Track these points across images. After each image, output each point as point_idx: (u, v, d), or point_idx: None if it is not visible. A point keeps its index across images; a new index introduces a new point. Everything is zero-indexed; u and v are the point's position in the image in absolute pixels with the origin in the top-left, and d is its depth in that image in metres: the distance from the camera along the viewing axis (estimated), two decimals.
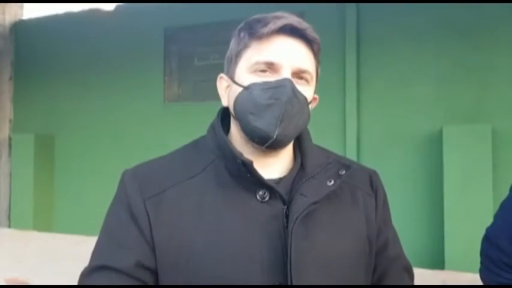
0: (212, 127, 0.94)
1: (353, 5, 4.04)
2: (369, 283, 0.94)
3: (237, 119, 0.88)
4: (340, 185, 0.90)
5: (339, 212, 0.91)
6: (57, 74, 5.50)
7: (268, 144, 0.86)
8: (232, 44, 0.90)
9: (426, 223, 3.78)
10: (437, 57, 3.81)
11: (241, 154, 0.85)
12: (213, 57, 4.63)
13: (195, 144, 0.96)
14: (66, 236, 3.57)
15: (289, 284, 0.80)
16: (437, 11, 3.82)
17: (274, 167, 0.91)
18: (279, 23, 0.83)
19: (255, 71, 0.85)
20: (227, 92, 0.91)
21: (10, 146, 5.73)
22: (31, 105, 5.67)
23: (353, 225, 0.92)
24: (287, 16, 0.86)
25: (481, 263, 1.34)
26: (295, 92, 0.84)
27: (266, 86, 0.83)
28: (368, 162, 3.95)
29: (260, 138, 0.85)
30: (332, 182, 0.89)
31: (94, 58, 5.30)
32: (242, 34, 0.88)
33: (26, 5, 6.08)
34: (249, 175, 0.85)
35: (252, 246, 0.82)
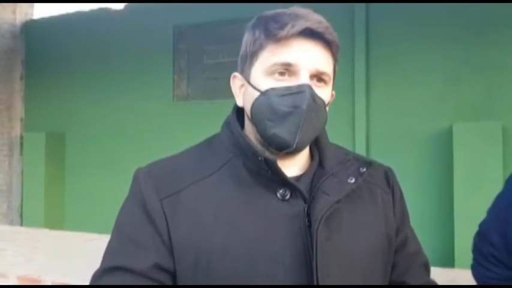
0: (227, 124, 0.91)
1: (362, 4, 4.03)
2: (387, 280, 0.93)
3: (253, 123, 0.85)
4: (359, 183, 0.88)
5: (358, 210, 0.89)
6: (68, 73, 5.55)
7: (286, 152, 0.84)
8: (247, 42, 0.87)
9: (436, 221, 3.76)
10: (446, 56, 3.78)
11: (263, 151, 0.83)
12: (222, 56, 4.62)
13: (209, 142, 0.93)
14: (77, 234, 3.59)
15: (315, 284, 0.78)
16: (445, 10, 3.79)
17: (292, 164, 0.89)
18: (298, 26, 0.79)
19: (271, 74, 0.82)
20: (242, 92, 0.89)
21: (21, 144, 5.79)
22: (42, 104, 5.73)
23: (372, 224, 0.90)
24: (305, 16, 0.82)
25: (473, 258, 1.34)
26: (314, 98, 0.81)
27: (284, 92, 0.81)
28: (377, 160, 3.94)
29: (278, 145, 0.83)
30: (353, 180, 0.87)
31: (103, 57, 5.33)
32: (257, 33, 0.84)
33: (36, 4, 6.13)
34: (270, 173, 0.83)
35: (273, 246, 0.81)
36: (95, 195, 5.17)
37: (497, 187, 3.42)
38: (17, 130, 5.88)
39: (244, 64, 0.87)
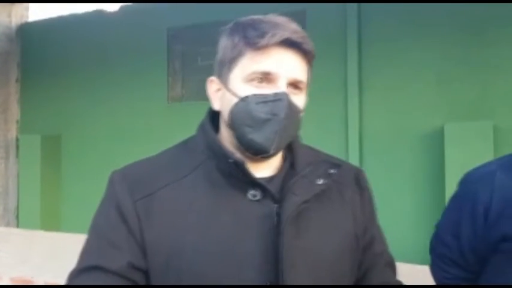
0: (202, 127, 0.96)
1: (354, 4, 4.04)
2: (354, 279, 0.96)
3: (232, 128, 0.88)
4: (328, 184, 0.91)
5: (327, 210, 0.92)
6: (63, 75, 5.56)
7: (262, 156, 0.88)
8: (225, 47, 0.89)
9: (428, 221, 3.78)
10: (439, 55, 3.80)
11: (233, 154, 0.87)
12: None
13: (185, 145, 0.97)
14: (72, 235, 3.61)
15: (280, 283, 0.81)
16: (438, 10, 3.80)
17: (264, 166, 0.92)
18: (278, 36, 0.83)
19: (250, 81, 0.85)
20: (218, 96, 0.92)
21: (17, 146, 5.80)
22: (37, 106, 5.73)
23: (341, 223, 0.93)
24: (283, 25, 0.85)
25: (431, 259, 1.36)
26: (291, 106, 0.85)
27: (263, 100, 0.84)
28: (370, 161, 3.96)
29: (255, 150, 0.86)
30: (322, 181, 0.90)
31: (99, 59, 5.34)
32: (236, 39, 0.87)
33: (31, 7, 6.14)
34: (241, 175, 0.86)
35: (244, 245, 0.83)
36: (91, 197, 5.14)
37: None
38: (13, 132, 5.89)
39: (222, 69, 0.90)
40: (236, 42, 0.87)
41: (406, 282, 1.02)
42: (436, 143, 3.70)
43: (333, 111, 4.08)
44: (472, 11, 3.70)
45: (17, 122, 5.91)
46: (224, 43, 0.91)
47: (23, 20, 6.03)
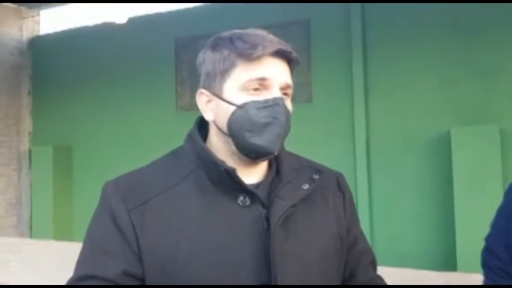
0: (190, 137, 0.98)
1: (358, 9, 4.07)
2: (340, 277, 1.00)
3: (230, 135, 0.90)
4: (313, 188, 0.96)
5: (312, 213, 0.96)
6: (74, 87, 5.66)
7: (264, 158, 0.92)
8: (213, 60, 0.92)
9: (437, 225, 3.77)
10: (444, 59, 3.81)
11: (223, 162, 0.90)
12: None
13: (174, 154, 1.00)
14: None
15: (272, 283, 0.84)
16: (442, 14, 3.82)
17: (252, 173, 0.95)
18: (271, 48, 0.88)
19: (246, 89, 0.88)
20: (209, 107, 0.95)
21: (30, 158, 5.90)
22: (49, 117, 5.84)
23: (326, 225, 0.98)
24: (269, 37, 0.90)
25: (484, 274, 1.35)
26: (286, 110, 0.90)
27: (261, 105, 0.87)
28: (378, 165, 3.96)
29: (258, 153, 0.90)
30: (307, 186, 0.94)
31: (108, 70, 5.43)
32: (226, 52, 0.90)
33: (42, 20, 6.26)
34: (230, 182, 0.89)
35: (236, 249, 0.87)
36: None
37: (496, 189, 3.46)
38: (26, 144, 6.00)
39: (213, 81, 0.93)
40: (226, 55, 0.90)
41: None
42: (443, 147, 3.70)
43: (340, 116, 4.10)
44: (478, 14, 3.71)
45: (29, 133, 6.02)
46: (211, 56, 0.94)
47: (34, 34, 6.16)
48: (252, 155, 0.91)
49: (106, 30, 5.50)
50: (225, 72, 0.91)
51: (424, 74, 3.86)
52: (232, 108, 0.89)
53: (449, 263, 3.56)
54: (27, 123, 6.02)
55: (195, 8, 5.05)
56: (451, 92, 3.77)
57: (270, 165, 0.99)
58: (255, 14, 4.38)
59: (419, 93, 3.87)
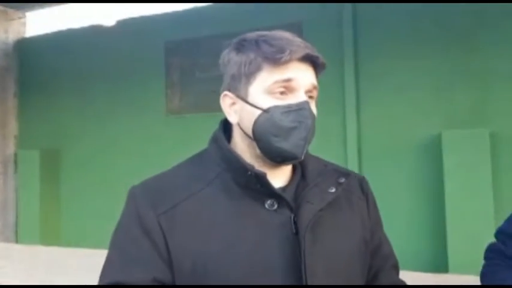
0: (215, 140, 0.98)
1: (350, 12, 4.10)
2: (364, 280, 1.00)
3: (255, 139, 0.91)
4: (339, 192, 0.96)
5: (338, 216, 0.97)
6: (61, 90, 5.58)
7: (289, 163, 0.93)
8: (237, 62, 0.92)
9: (429, 228, 3.81)
10: (435, 63, 3.86)
11: (252, 166, 0.90)
12: (214, 69, 4.67)
13: (199, 158, 1.00)
14: (75, 250, 3.61)
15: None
16: (434, 18, 3.87)
17: (278, 177, 0.96)
18: (299, 52, 0.88)
19: (272, 93, 0.89)
20: (233, 109, 0.95)
21: (16, 162, 5.80)
22: (36, 121, 5.75)
23: (351, 229, 0.98)
24: (296, 40, 0.90)
25: (484, 258, 1.34)
26: (312, 114, 0.91)
27: (287, 109, 0.88)
28: (370, 169, 3.99)
29: (283, 158, 0.90)
30: (334, 190, 0.95)
31: (96, 73, 5.38)
32: (252, 55, 0.90)
33: (28, 22, 6.18)
34: (258, 186, 0.90)
35: (266, 254, 0.87)
36: (90, 211, 5.18)
37: (486, 191, 3.50)
38: (11, 148, 5.89)
39: (239, 83, 0.93)
40: (252, 58, 0.90)
41: None
42: (435, 150, 3.75)
43: (332, 121, 4.12)
44: (469, 17, 3.76)
45: (15, 137, 5.92)
46: (235, 58, 0.93)
47: (20, 36, 6.07)
48: (277, 159, 0.91)
49: (94, 33, 5.45)
50: (250, 75, 0.91)
51: (416, 79, 3.91)
52: (258, 112, 0.90)
53: (441, 265, 3.60)
54: (12, 127, 5.92)
55: (185, 10, 5.03)
56: (443, 95, 3.82)
57: (294, 169, 0.99)
58: (246, 17, 4.39)
59: (411, 97, 3.92)
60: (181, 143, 4.61)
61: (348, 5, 4.11)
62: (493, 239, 1.37)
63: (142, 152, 5.00)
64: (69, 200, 5.46)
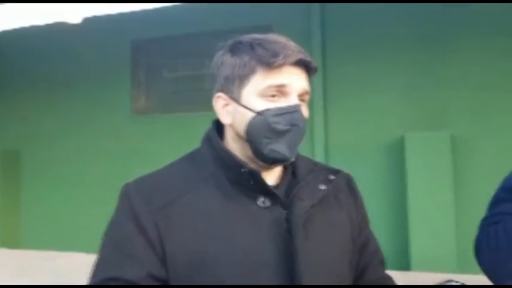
0: (208, 139, 1.00)
1: (318, 16, 4.15)
2: (352, 276, 1.04)
3: (248, 141, 0.93)
4: (329, 189, 1.00)
5: (328, 213, 1.00)
6: (22, 89, 5.43)
7: (280, 164, 0.96)
8: (231, 64, 0.94)
9: (392, 227, 3.90)
10: (401, 67, 3.96)
11: (246, 163, 0.93)
12: (182, 69, 4.66)
13: (192, 157, 1.02)
14: (38, 252, 3.52)
15: (296, 283, 0.87)
16: (399, 21, 3.97)
17: (270, 175, 0.99)
18: (292, 57, 0.91)
19: (265, 96, 0.91)
20: (226, 110, 0.97)
21: None
22: None
23: (340, 225, 1.02)
24: (290, 45, 0.93)
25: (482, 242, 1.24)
26: (303, 117, 0.94)
27: (280, 112, 0.91)
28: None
29: (275, 159, 0.93)
30: (324, 187, 0.99)
31: (60, 72, 5.25)
32: (246, 58, 0.92)
33: None
34: (252, 183, 0.92)
35: (261, 250, 0.89)
36: (52, 212, 5.05)
37: (448, 192, 3.60)
38: None
39: (232, 85, 0.95)
40: (247, 61, 0.92)
41: None
42: (398, 152, 3.84)
43: None
44: (436, 21, 3.87)
45: None
46: (230, 60, 0.95)
47: None
48: (268, 160, 0.94)
49: (58, 31, 5.30)
50: (244, 78, 0.93)
51: (382, 82, 4.00)
52: (251, 114, 0.92)
53: (403, 263, 3.69)
54: None
55: (152, 9, 4.97)
56: (407, 98, 3.93)
57: (285, 168, 1.02)
58: (215, 18, 4.38)
59: (376, 100, 4.01)
60: (147, 143, 4.57)
61: (316, 6, 4.16)
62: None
63: (107, 152, 4.92)
64: (29, 200, 5.30)
